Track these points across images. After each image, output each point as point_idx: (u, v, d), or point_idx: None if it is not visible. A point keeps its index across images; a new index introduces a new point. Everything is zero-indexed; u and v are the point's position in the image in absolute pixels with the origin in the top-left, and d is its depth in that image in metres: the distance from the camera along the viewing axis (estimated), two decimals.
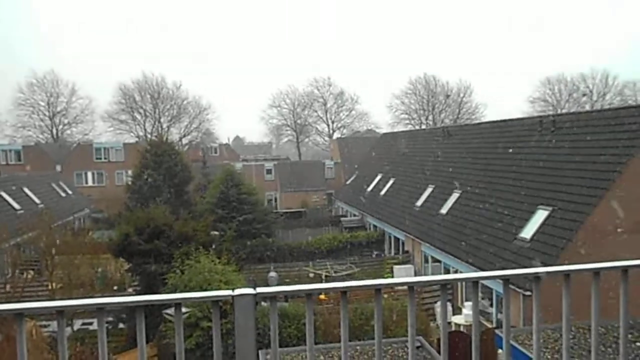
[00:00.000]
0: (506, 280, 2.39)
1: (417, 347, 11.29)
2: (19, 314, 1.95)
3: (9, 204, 31.83)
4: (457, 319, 18.38)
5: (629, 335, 2.38)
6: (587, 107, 63.63)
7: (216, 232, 24.71)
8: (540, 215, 18.21)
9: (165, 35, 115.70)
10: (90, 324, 19.59)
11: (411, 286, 2.26)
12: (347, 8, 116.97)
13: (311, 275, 27.12)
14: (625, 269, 2.34)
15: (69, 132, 71.18)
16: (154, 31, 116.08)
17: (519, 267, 16.61)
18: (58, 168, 52.81)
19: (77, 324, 19.66)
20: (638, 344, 9.16)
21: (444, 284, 2.33)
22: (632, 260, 2.36)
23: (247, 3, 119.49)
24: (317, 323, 16.05)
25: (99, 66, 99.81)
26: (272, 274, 26.50)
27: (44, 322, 16.70)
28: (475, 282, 2.38)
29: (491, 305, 19.37)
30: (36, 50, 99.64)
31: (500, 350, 12.68)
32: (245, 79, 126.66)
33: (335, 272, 27.56)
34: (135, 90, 67.78)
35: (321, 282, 26.30)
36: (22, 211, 31.14)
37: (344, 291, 2.21)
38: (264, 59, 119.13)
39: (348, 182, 45.09)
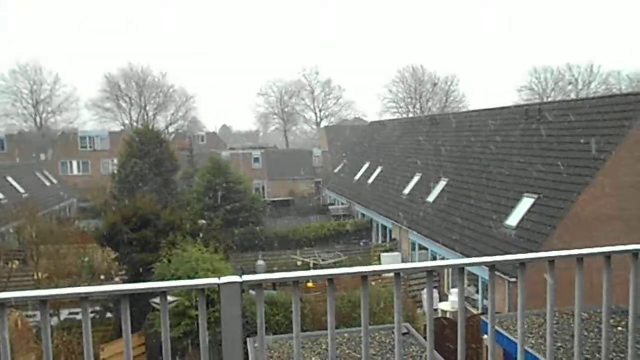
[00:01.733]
0: (492, 267, 2.40)
1: (404, 334, 11.40)
2: (1, 304, 1.92)
3: None
4: (443, 306, 18.59)
5: (611, 321, 2.42)
6: (573, 96, 64.17)
7: (204, 221, 24.64)
8: (526, 203, 18.40)
9: (161, 32, 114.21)
10: (77, 313, 19.48)
11: (397, 273, 2.26)
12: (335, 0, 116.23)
13: (299, 263, 27.19)
14: (608, 256, 2.37)
15: (53, 120, 70.18)
16: (149, 28, 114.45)
17: (505, 254, 16.80)
18: (42, 157, 52.16)
19: (64, 314, 19.55)
20: (620, 328, 9.33)
21: (430, 271, 2.34)
22: (614, 247, 2.39)
23: None
24: (305, 311, 16.12)
25: (86, 60, 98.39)
26: (260, 262, 26.53)
27: (30, 312, 16.57)
28: (461, 268, 2.40)
29: (477, 292, 19.60)
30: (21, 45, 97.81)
31: (485, 336, 12.86)
32: (232, 70, 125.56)
33: (323, 260, 27.66)
34: (120, 78, 66.99)
35: (309, 270, 26.39)
36: (5, 201, 30.76)
37: (330, 279, 2.20)
38: (253, 50, 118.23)
39: (336, 171, 45.12)
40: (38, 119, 68.37)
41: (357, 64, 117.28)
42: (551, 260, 2.35)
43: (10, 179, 35.25)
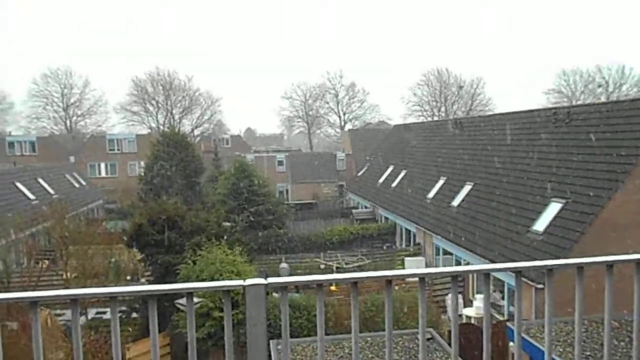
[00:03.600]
0: (518, 272, 2.37)
1: (428, 339, 11.29)
2: (34, 302, 1.97)
3: (24, 194, 32.25)
4: (467, 311, 18.34)
5: None
6: (603, 99, 62.77)
7: (228, 223, 24.84)
8: (554, 208, 18.04)
9: (179, 33, 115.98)
10: (104, 312, 19.85)
11: (422, 277, 2.25)
12: (361, 0, 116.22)
13: (322, 266, 27.19)
14: (638, 262, 2.31)
15: (82, 123, 71.92)
16: (166, 30, 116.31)
17: (531, 259, 16.51)
18: (72, 159, 53.34)
19: (92, 312, 19.94)
20: None
21: (455, 276, 2.32)
22: None
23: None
24: (327, 314, 16.12)
25: (111, 62, 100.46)
26: (284, 265, 26.61)
27: (58, 311, 16.95)
28: (486, 274, 2.37)
29: (502, 297, 19.30)
30: (51, 46, 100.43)
31: (511, 343, 12.65)
32: (257, 72, 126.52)
33: (346, 263, 27.61)
34: (147, 82, 68.23)
35: (332, 273, 26.37)
36: (36, 201, 31.54)
37: (354, 282, 2.21)
38: (277, 53, 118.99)
39: (359, 174, 45.02)
40: (68, 122, 70.13)
41: (381, 67, 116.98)
42: (580, 267, 2.31)
43: (41, 181, 36.13)
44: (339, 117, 77.16)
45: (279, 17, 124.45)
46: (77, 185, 42.88)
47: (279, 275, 24.65)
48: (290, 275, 25.52)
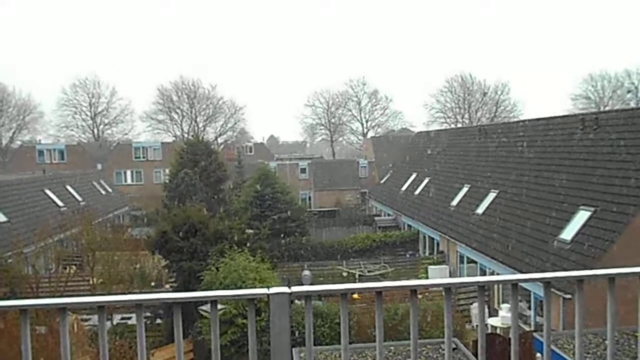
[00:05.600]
0: (547, 283, 2.32)
1: (453, 349, 11.12)
2: (62, 309, 2.01)
3: (53, 201, 32.99)
4: (493, 321, 18.03)
5: None
6: (632, 104, 61.35)
7: (251, 230, 24.95)
8: (582, 216, 17.66)
9: (203, 38, 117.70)
10: (129, 318, 20.12)
11: (448, 287, 2.22)
12: (384, 7, 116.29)
13: (344, 274, 27.09)
14: None
15: (109, 131, 73.34)
16: (191, 35, 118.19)
17: (559, 269, 16.17)
18: (99, 167, 54.40)
19: (116, 318, 20.22)
20: None
21: (481, 286, 2.28)
22: None
23: (285, 4, 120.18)
24: (350, 323, 16.02)
25: (138, 70, 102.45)
26: (306, 272, 26.60)
27: (84, 316, 17.23)
28: (514, 284, 2.33)
29: (529, 307, 18.92)
30: (79, 53, 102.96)
31: (538, 355, 12.37)
32: (281, 80, 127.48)
33: (368, 271, 27.46)
34: (172, 90, 69.26)
35: (354, 281, 26.24)
36: (65, 208, 32.21)
37: (379, 291, 2.19)
38: (301, 61, 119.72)
39: (382, 181, 44.83)
40: (95, 130, 71.59)
41: (405, 73, 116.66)
42: (611, 278, 2.25)
43: (69, 188, 36.93)
44: (362, 124, 77.04)
45: (302, 25, 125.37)
46: (103, 192, 43.70)
47: (301, 283, 24.66)
48: (313, 282, 25.49)
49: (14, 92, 67.52)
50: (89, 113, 70.69)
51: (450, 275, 26.02)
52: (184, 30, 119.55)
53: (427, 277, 25.19)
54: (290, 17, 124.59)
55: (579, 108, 65.70)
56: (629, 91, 65.89)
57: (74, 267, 23.78)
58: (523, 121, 31.48)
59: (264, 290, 2.06)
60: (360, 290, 2.29)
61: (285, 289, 2.06)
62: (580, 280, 2.26)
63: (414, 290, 2.19)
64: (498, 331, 17.29)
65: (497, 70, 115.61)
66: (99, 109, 70.88)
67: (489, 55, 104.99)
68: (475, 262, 23.38)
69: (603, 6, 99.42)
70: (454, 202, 27.79)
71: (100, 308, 2.05)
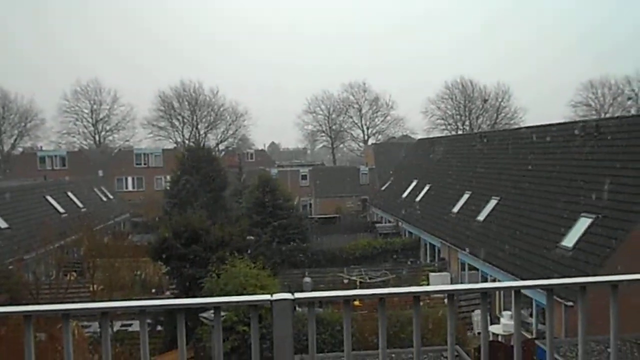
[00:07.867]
0: (550, 290, 2.32)
1: (455, 356, 11.09)
2: (66, 315, 2.01)
3: (54, 208, 33.01)
4: (494, 329, 17.95)
5: None
6: (633, 111, 61.43)
7: (252, 237, 24.96)
8: (583, 223, 17.63)
9: (203, 43, 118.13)
10: (129, 325, 20.05)
11: (451, 294, 2.22)
12: (383, 12, 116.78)
13: (345, 281, 27.01)
14: None
15: (110, 138, 73.45)
16: (190, 39, 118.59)
17: (561, 276, 16.12)
18: (100, 173, 54.44)
19: (117, 325, 20.16)
20: None
21: (484, 293, 2.28)
22: None
23: (285, 6, 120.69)
24: (351, 329, 15.95)
25: (139, 75, 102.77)
26: (307, 279, 26.53)
27: (85, 323, 17.18)
28: (517, 291, 2.33)
29: (531, 315, 18.85)
30: (82, 58, 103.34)
31: None
32: (282, 85, 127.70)
33: (370, 278, 27.38)
34: (173, 97, 69.40)
35: (355, 288, 26.16)
36: (66, 215, 32.22)
37: (381, 298, 2.19)
38: (302, 66, 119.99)
39: (383, 188, 44.81)
40: (97, 137, 71.72)
41: (406, 80, 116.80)
42: (614, 285, 2.25)
43: (70, 194, 36.95)
44: (362, 131, 77.07)
45: (303, 32, 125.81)
46: (104, 199, 43.71)
47: (302, 290, 24.59)
48: (313, 289, 25.42)
49: (15, 99, 67.78)
50: (90, 120, 70.85)
51: (452, 283, 25.95)
52: (185, 36, 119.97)
53: (428, 284, 25.12)
54: (291, 22, 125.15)
55: (580, 115, 65.78)
56: (629, 98, 65.98)
57: (74, 273, 23.75)
58: (524, 128, 31.54)
59: (267, 297, 2.06)
60: (363, 297, 2.29)
61: (288, 295, 2.06)
62: (583, 287, 2.26)
63: (416, 297, 2.19)
64: (500, 338, 17.22)
65: (498, 76, 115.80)
66: (101, 116, 71.04)
67: (489, 62, 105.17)
68: (477, 269, 23.32)
69: (604, 13, 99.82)
70: (455, 209, 27.76)
71: (103, 314, 2.05)
